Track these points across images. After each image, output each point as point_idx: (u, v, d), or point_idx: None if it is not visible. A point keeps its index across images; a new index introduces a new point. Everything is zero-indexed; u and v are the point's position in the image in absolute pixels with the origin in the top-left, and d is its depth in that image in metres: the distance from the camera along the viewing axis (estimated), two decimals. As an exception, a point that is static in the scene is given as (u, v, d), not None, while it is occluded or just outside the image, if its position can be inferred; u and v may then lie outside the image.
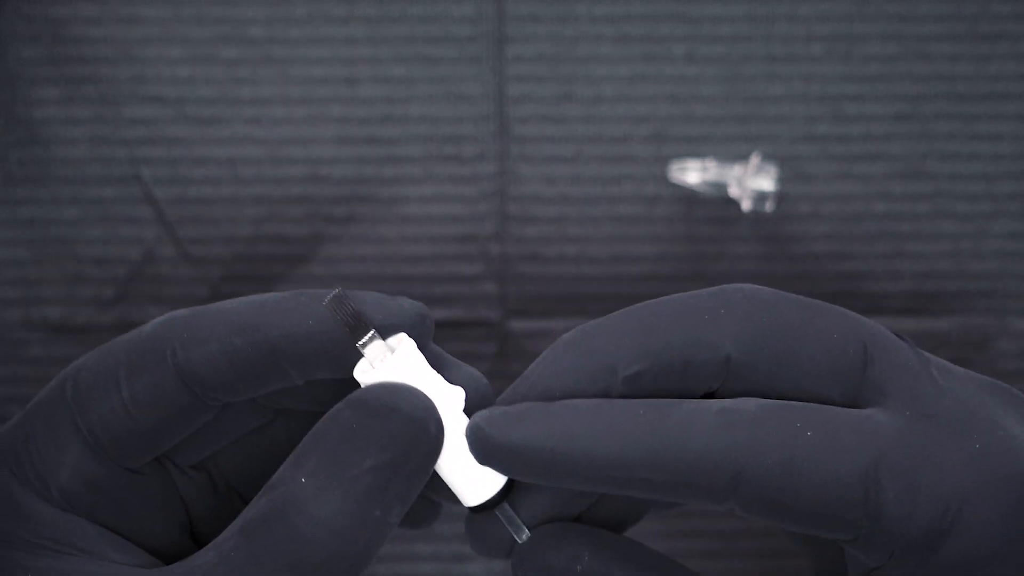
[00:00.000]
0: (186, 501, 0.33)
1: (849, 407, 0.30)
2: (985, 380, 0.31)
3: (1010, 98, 0.53)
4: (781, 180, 0.52)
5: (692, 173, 0.52)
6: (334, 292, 0.30)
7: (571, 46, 0.53)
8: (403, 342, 0.30)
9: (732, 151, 0.53)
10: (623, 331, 0.30)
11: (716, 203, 0.53)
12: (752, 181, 0.51)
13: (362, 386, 0.30)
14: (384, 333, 0.30)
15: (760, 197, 0.51)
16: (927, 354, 0.31)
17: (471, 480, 0.31)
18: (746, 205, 0.52)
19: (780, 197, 0.52)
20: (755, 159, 0.51)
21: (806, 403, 0.29)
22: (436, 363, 0.31)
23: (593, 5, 0.53)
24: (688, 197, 0.53)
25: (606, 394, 0.30)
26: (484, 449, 0.29)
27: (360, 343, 0.30)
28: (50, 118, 0.52)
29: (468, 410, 0.31)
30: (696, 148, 0.53)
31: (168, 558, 0.32)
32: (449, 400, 0.30)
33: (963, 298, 0.53)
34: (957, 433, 0.29)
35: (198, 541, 0.34)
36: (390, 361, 0.30)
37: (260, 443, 0.34)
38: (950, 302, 0.53)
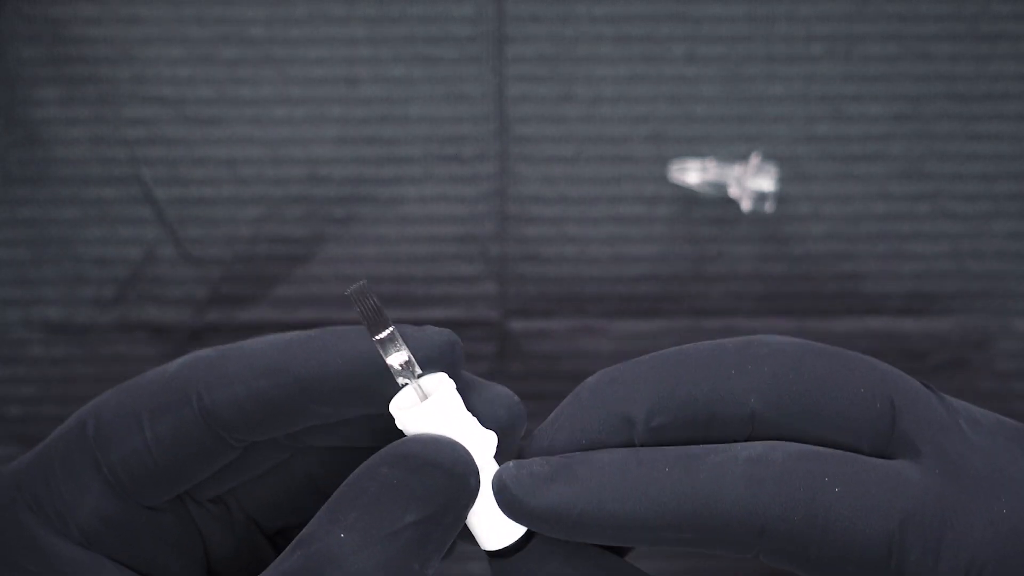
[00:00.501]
0: (204, 535, 0.33)
1: (878, 456, 0.29)
2: (1013, 427, 0.31)
3: (1010, 98, 0.53)
4: (781, 180, 0.52)
5: (692, 173, 0.52)
6: (358, 284, 0.29)
7: (571, 46, 0.53)
8: (441, 384, 0.30)
9: (732, 151, 0.53)
10: (647, 380, 0.30)
11: (716, 203, 0.53)
12: (752, 181, 0.51)
13: (397, 422, 0.30)
14: (415, 356, 0.30)
15: (760, 197, 0.51)
16: (955, 402, 0.31)
17: (493, 527, 0.31)
18: (746, 205, 0.52)
19: (780, 197, 0.52)
20: (755, 159, 0.51)
21: (835, 451, 0.29)
22: (466, 387, 0.31)
23: (593, 5, 0.52)
24: (688, 197, 0.53)
25: (630, 443, 0.30)
26: (511, 509, 0.29)
27: (378, 338, 0.29)
28: (50, 118, 0.52)
29: (502, 438, 0.31)
30: (696, 148, 0.53)
31: None
32: (482, 446, 0.30)
33: (963, 298, 0.53)
34: (985, 493, 0.29)
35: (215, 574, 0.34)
36: (428, 404, 0.30)
37: (280, 476, 0.34)
38: (950, 302, 0.53)
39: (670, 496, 0.28)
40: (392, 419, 0.30)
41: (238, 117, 0.53)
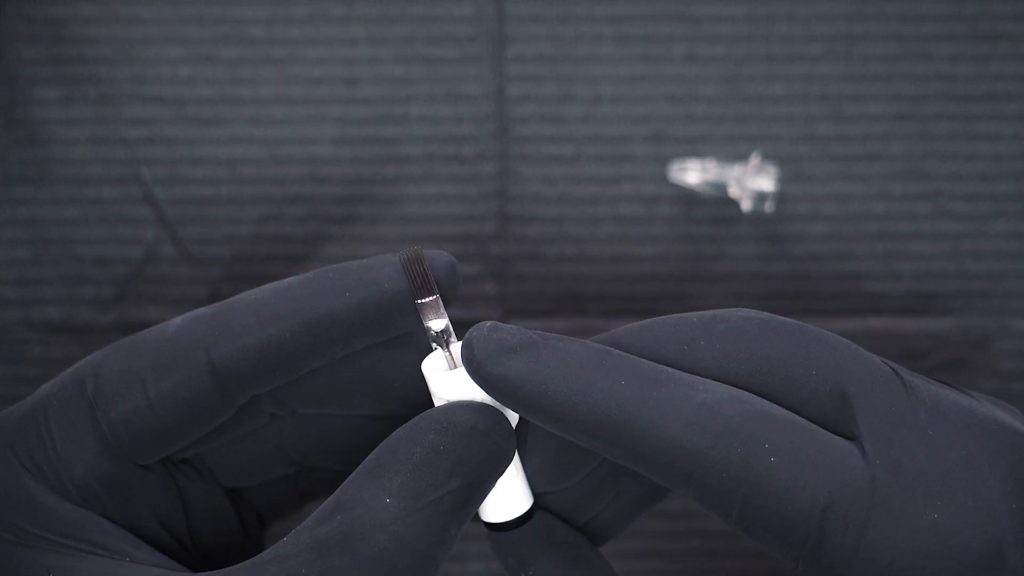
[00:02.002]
0: (182, 494, 0.33)
1: (837, 434, 0.29)
2: (984, 424, 0.30)
3: (1010, 98, 0.53)
4: (781, 180, 0.52)
5: (692, 173, 0.52)
6: (412, 248, 0.30)
7: (571, 46, 0.53)
8: None
9: (732, 151, 0.53)
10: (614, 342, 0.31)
11: (716, 203, 0.53)
12: (752, 181, 0.51)
13: (429, 383, 0.31)
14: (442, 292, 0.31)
15: (760, 197, 0.51)
16: (925, 386, 0.30)
17: (499, 501, 0.31)
18: (746, 205, 0.52)
19: (780, 197, 0.52)
20: (755, 159, 0.51)
21: (791, 419, 0.29)
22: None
23: (593, 5, 0.53)
24: (688, 197, 0.53)
25: None
26: (472, 368, 0.30)
27: (420, 302, 0.30)
28: (50, 118, 0.52)
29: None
30: (696, 148, 0.53)
31: (167, 555, 0.32)
32: (508, 417, 0.31)
33: (963, 298, 0.53)
34: (922, 493, 0.28)
35: (191, 536, 0.34)
36: (462, 372, 0.30)
37: (251, 441, 0.34)
38: (950, 302, 0.53)
39: (612, 409, 0.29)
40: (383, 387, 0.31)
41: (238, 117, 0.53)
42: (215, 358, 0.30)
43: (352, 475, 0.29)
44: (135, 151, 0.53)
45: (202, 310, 0.32)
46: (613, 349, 0.30)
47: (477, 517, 0.32)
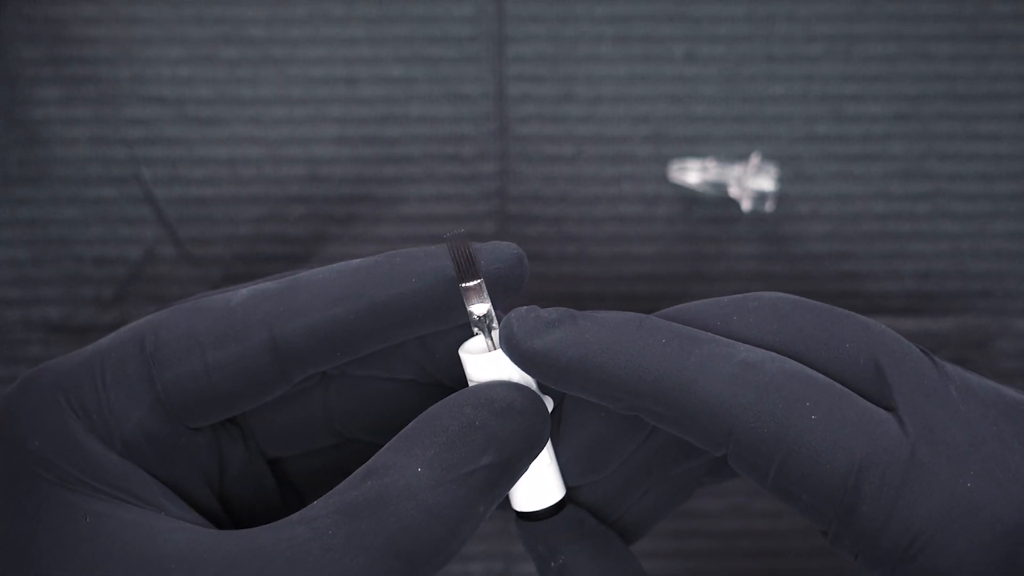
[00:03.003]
0: (221, 456, 0.33)
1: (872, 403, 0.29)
2: (1011, 402, 0.30)
3: (1010, 98, 0.53)
4: (781, 180, 0.52)
5: (692, 173, 0.52)
6: (458, 232, 0.31)
7: (571, 46, 0.53)
8: None
9: (732, 151, 0.53)
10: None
11: (716, 203, 0.53)
12: (752, 181, 0.51)
13: (465, 365, 0.31)
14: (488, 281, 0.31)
15: (760, 197, 0.51)
16: (955, 370, 0.31)
17: (531, 489, 0.32)
18: (746, 205, 0.52)
19: (780, 197, 0.52)
20: (755, 159, 0.51)
21: (830, 382, 0.29)
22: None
23: (593, 5, 0.53)
24: (688, 197, 0.53)
25: None
26: (510, 347, 0.30)
27: (464, 286, 0.30)
28: (50, 118, 0.52)
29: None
30: (696, 148, 0.53)
31: (203, 514, 0.32)
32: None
33: (963, 298, 0.53)
34: (955, 463, 0.28)
35: (224, 499, 0.34)
36: (499, 354, 0.31)
37: (298, 403, 0.34)
38: (950, 302, 0.53)
39: (656, 366, 0.29)
40: (427, 355, 0.32)
41: (238, 117, 0.53)
42: (277, 334, 0.30)
43: (387, 444, 0.30)
44: (135, 151, 0.53)
45: (268, 284, 0.32)
46: (649, 316, 0.30)
47: (508, 505, 0.32)
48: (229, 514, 0.34)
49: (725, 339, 0.30)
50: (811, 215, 0.53)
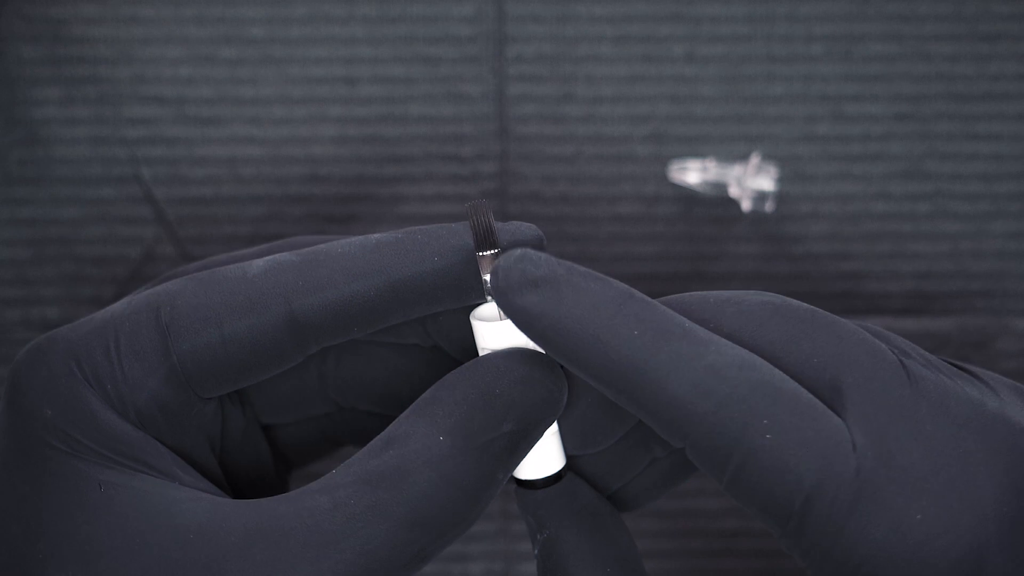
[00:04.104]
0: (224, 424, 0.33)
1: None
2: (992, 419, 0.29)
3: (1010, 98, 0.53)
4: (781, 180, 0.52)
5: (692, 173, 0.52)
6: (479, 200, 0.31)
7: (571, 46, 0.53)
8: None
9: (732, 151, 0.53)
10: None
11: (716, 203, 0.53)
12: (752, 181, 0.51)
13: (476, 332, 0.31)
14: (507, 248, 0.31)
15: (760, 197, 0.51)
16: (936, 381, 0.30)
17: (532, 457, 0.32)
18: (746, 205, 0.52)
19: (780, 197, 0.52)
20: (755, 159, 0.51)
21: (798, 393, 0.29)
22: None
23: (593, 5, 0.53)
24: (688, 197, 0.53)
25: None
26: (496, 294, 0.30)
27: (481, 254, 0.30)
28: (50, 118, 0.52)
29: None
30: (696, 148, 0.53)
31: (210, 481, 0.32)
32: None
33: (963, 298, 0.53)
34: (909, 489, 0.28)
35: (222, 465, 0.34)
36: (510, 323, 0.30)
37: (295, 372, 0.34)
38: (950, 302, 0.53)
39: (622, 358, 0.29)
40: (430, 319, 0.31)
41: (238, 117, 0.53)
42: (296, 308, 0.30)
43: (407, 411, 0.30)
44: (135, 151, 0.53)
45: (286, 256, 0.31)
46: (636, 292, 0.30)
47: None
48: (227, 479, 0.34)
49: (701, 334, 0.29)
50: (811, 215, 0.53)
